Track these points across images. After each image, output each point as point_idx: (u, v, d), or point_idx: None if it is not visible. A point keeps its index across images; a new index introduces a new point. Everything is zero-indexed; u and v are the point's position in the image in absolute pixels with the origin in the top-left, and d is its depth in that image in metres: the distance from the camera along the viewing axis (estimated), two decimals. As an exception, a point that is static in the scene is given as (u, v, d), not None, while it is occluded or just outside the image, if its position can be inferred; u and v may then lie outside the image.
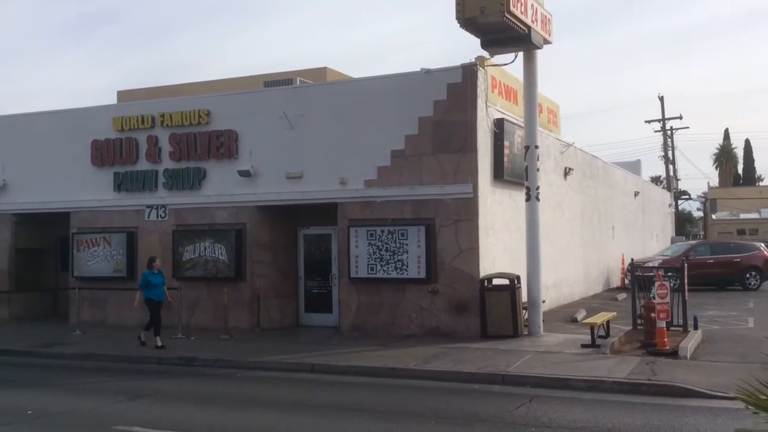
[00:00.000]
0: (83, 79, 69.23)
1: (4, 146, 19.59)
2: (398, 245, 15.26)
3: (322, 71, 26.12)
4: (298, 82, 20.47)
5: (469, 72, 14.95)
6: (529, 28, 13.86)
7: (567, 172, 21.19)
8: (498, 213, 15.98)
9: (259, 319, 16.71)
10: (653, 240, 35.87)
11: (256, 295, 16.71)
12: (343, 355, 13.05)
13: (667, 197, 43.65)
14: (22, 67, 68.12)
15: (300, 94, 17.13)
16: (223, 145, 17.07)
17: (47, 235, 20.37)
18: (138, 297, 14.89)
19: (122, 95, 26.77)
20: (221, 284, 16.56)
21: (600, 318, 13.79)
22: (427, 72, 15.29)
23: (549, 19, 14.86)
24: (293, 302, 17.54)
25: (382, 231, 15.42)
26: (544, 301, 15.38)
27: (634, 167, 35.97)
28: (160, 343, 14.33)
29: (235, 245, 16.78)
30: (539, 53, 14.93)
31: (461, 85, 14.96)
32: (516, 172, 16.11)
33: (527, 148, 14.89)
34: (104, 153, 18.26)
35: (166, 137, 17.64)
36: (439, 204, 15.08)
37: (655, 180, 59.35)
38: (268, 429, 8.56)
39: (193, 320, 16.96)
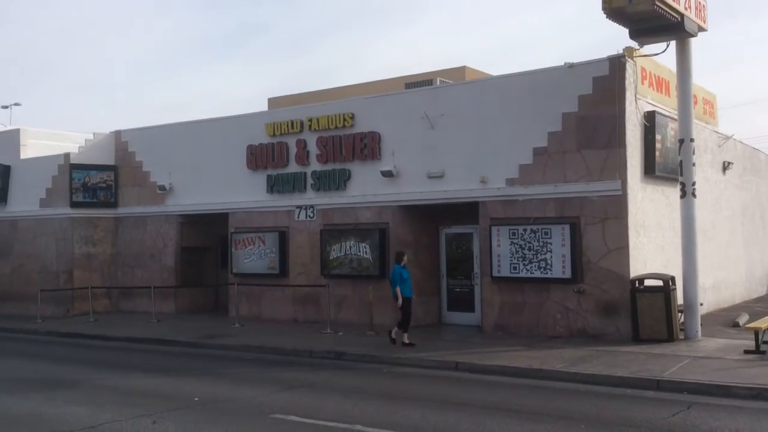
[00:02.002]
0: (237, 88, 73.68)
1: (171, 153, 21.30)
2: (541, 244, 14.99)
3: (461, 70, 26.20)
4: (438, 83, 20.67)
5: (616, 64, 14.40)
6: (681, 15, 13.14)
7: (726, 166, 19.82)
8: (649, 210, 15.25)
9: (402, 317, 17.01)
10: (827, 238, 32.56)
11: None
12: (486, 355, 13.04)
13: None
14: (183, 76, 73.78)
15: (440, 94, 17.27)
16: (367, 147, 17.56)
17: (209, 235, 21.89)
18: (399, 293, 14.20)
19: (272, 102, 28.32)
20: (366, 282, 17.06)
21: (765, 322, 12.80)
22: (570, 66, 14.89)
23: (704, 5, 14.00)
24: (436, 300, 17.71)
25: (525, 230, 15.21)
26: (701, 304, 14.49)
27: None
28: (407, 341, 14.11)
29: (379, 244, 17.23)
30: (693, 41, 14.10)
31: (608, 78, 14.44)
32: (669, 168, 15.31)
33: (682, 141, 14.10)
34: (258, 157, 19.38)
35: (313, 140, 18.43)
36: (585, 202, 14.65)
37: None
38: (415, 424, 8.74)
39: (340, 316, 17.59)
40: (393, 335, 14.39)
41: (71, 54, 73.40)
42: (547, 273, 14.92)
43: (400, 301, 14.32)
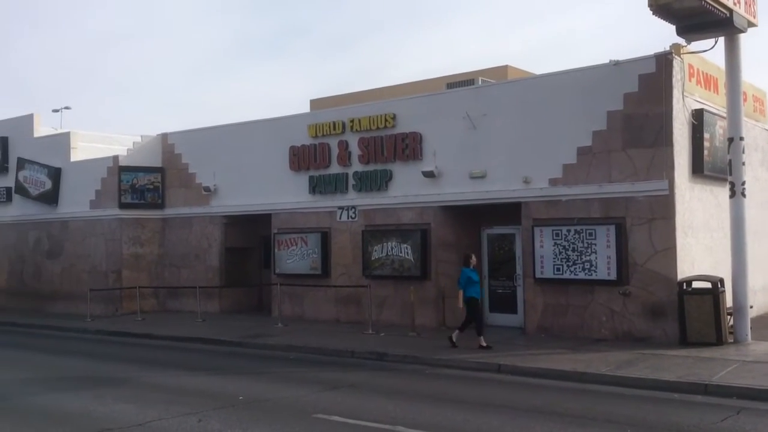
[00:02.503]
0: (280, 90, 74.49)
1: (215, 155, 21.62)
2: (586, 245, 14.78)
3: (504, 69, 26.01)
4: (480, 82, 20.54)
5: (663, 61, 14.12)
6: (730, 11, 12.83)
7: (777, 164, 19.24)
8: (697, 211, 14.92)
9: (444, 317, 17.00)
10: None
11: (441, 294, 17.01)
12: (529, 357, 12.92)
13: None
14: (229, 79, 74.84)
15: (482, 94, 17.18)
16: (408, 147, 17.57)
17: (252, 235, 22.14)
18: (461, 296, 14.14)
19: (314, 103, 28.53)
20: (407, 283, 17.08)
21: (821, 327, 12.39)
22: (616, 64, 14.66)
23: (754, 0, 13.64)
24: (478, 301, 17.60)
25: (568, 230, 15.02)
26: (751, 307, 14.12)
27: None
28: (484, 343, 13.75)
29: (421, 245, 17.21)
30: (743, 37, 13.74)
31: (654, 76, 14.17)
32: (717, 167, 14.95)
33: (731, 140, 13.75)
34: (300, 158, 19.55)
35: (355, 141, 18.51)
36: (631, 202, 14.40)
37: None
38: (458, 426, 8.71)
39: (382, 317, 17.64)
40: (454, 339, 14.14)
41: (118, 57, 75.19)
42: (591, 274, 14.71)
43: (460, 303, 14.23)
